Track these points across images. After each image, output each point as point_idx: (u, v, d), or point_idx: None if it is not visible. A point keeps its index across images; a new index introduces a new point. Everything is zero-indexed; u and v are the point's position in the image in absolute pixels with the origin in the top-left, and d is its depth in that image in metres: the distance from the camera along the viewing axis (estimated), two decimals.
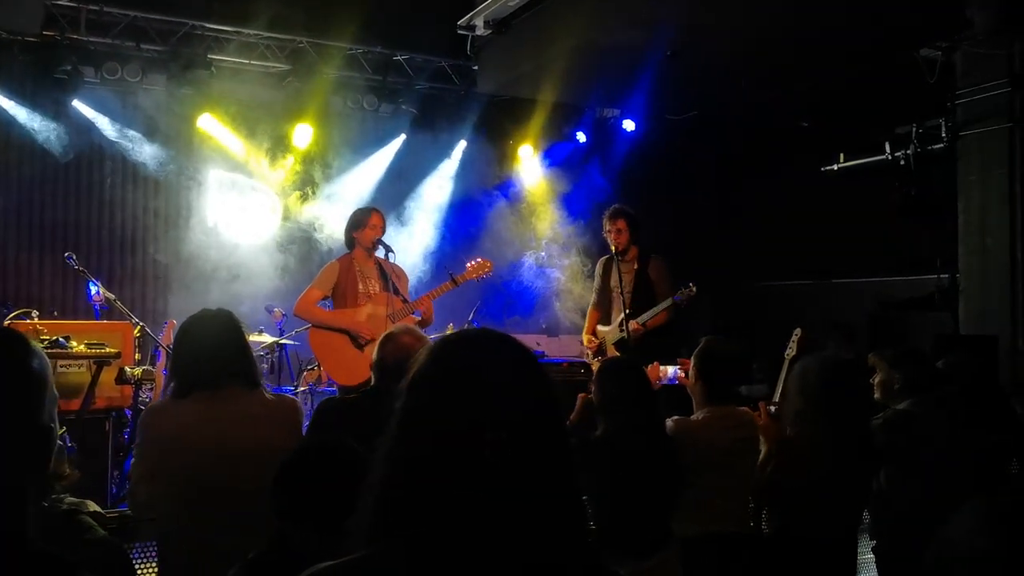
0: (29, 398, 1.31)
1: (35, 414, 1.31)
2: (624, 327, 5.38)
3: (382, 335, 3.13)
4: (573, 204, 9.18)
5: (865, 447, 3.18)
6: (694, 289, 5.39)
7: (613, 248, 5.59)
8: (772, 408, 3.78)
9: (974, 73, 6.24)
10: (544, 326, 8.99)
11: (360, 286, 5.24)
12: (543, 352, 7.35)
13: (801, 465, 3.12)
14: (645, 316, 5.41)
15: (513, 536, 1.11)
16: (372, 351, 5.04)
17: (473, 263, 5.55)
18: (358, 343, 5.17)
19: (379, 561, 1.13)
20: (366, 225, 5.27)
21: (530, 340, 8.44)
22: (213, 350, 2.69)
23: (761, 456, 3.35)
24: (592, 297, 5.96)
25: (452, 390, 1.17)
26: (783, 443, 3.20)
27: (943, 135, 6.42)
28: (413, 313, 5.16)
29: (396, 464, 1.17)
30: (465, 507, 1.11)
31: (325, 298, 5.28)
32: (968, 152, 6.35)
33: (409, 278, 5.69)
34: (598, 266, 5.95)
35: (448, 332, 7.26)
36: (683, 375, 3.83)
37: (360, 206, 5.74)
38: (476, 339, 1.28)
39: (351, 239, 5.36)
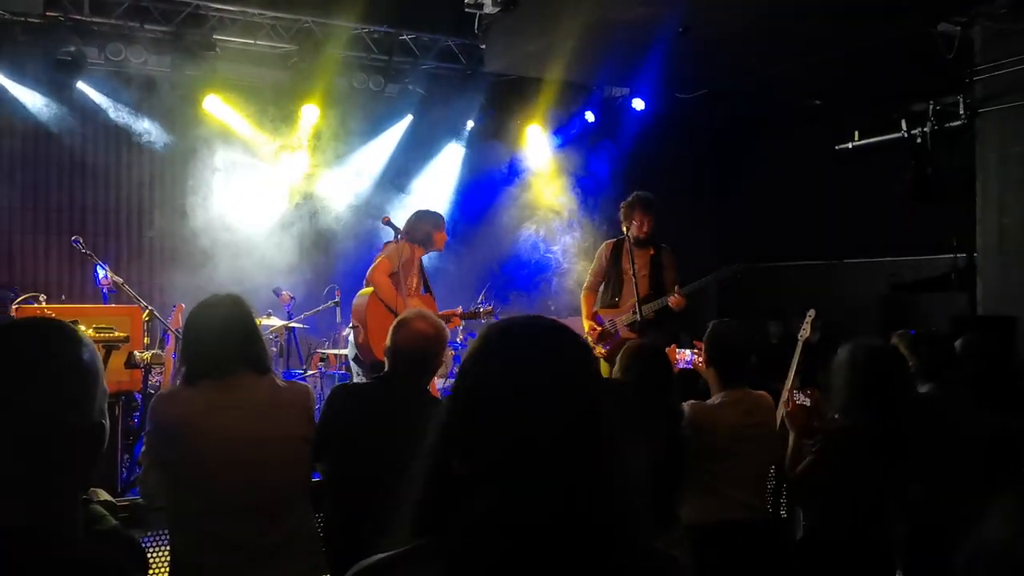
0: (80, 393, 1.25)
1: (86, 410, 1.25)
2: (638, 310, 5.34)
3: (395, 321, 3.07)
4: (582, 184, 9.10)
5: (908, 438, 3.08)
6: (741, 268, 5.48)
7: (635, 235, 5.54)
8: (797, 393, 3.72)
9: (993, 49, 6.12)
10: (552, 308, 8.94)
11: (405, 279, 5.33)
12: None
13: (848, 461, 3.03)
14: (688, 288, 5.43)
15: (563, 531, 1.10)
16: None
17: (485, 307, 6.10)
18: None
19: (428, 555, 1.11)
20: (443, 230, 5.54)
21: None
22: (222, 336, 2.64)
23: (790, 447, 3.29)
24: (588, 280, 5.91)
25: (502, 383, 1.15)
26: (828, 437, 3.12)
27: (961, 112, 6.31)
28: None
29: (443, 458, 1.15)
30: (514, 501, 1.10)
31: (393, 274, 5.35)
32: (986, 129, 6.25)
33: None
34: (604, 249, 5.89)
35: (455, 314, 7.21)
36: (699, 360, 3.78)
37: (428, 209, 5.78)
38: (527, 328, 1.23)
39: (427, 237, 5.48)
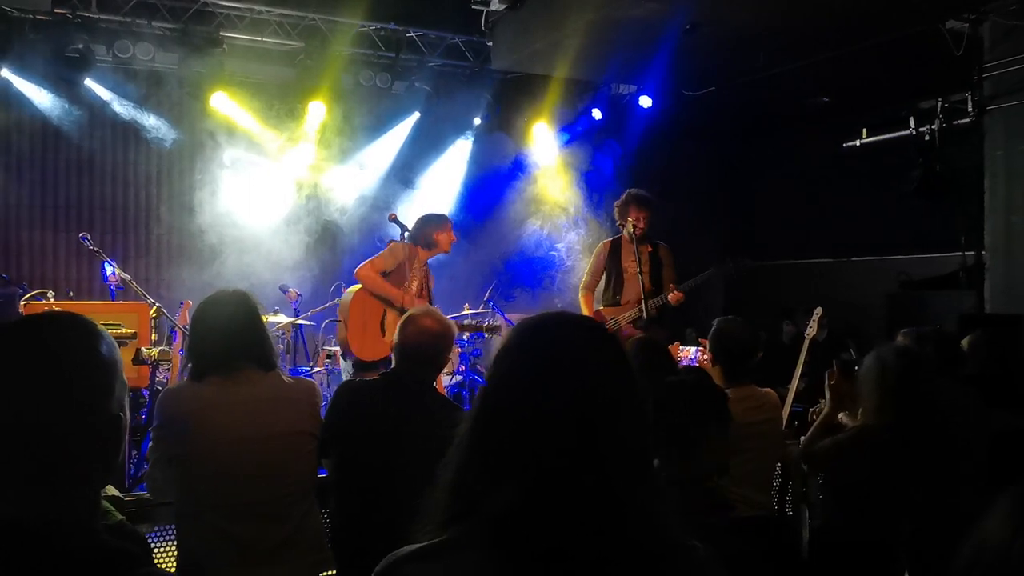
0: (99, 386, 1.26)
1: (105, 403, 1.26)
2: (644, 307, 5.35)
3: (403, 317, 3.08)
4: (588, 181, 9.09)
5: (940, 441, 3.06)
6: (750, 262, 5.54)
7: (632, 232, 5.56)
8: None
9: (1002, 45, 6.09)
10: (559, 304, 8.94)
11: (406, 281, 5.32)
12: None
13: (877, 459, 3.02)
14: (690, 283, 5.48)
15: (594, 521, 1.12)
16: (391, 338, 5.11)
17: (489, 323, 6.00)
18: (383, 328, 5.27)
19: (463, 544, 1.13)
20: (448, 231, 5.46)
21: None
22: (228, 332, 2.65)
23: (823, 413, 3.28)
24: (585, 279, 5.94)
25: (535, 375, 1.18)
26: (859, 433, 3.10)
27: (969, 110, 6.29)
28: None
29: (475, 448, 1.19)
30: (546, 490, 1.12)
31: (385, 273, 5.34)
32: (995, 127, 6.22)
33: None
34: (602, 248, 5.92)
35: (464, 313, 7.23)
36: (703, 358, 3.78)
37: (435, 213, 5.73)
38: (557, 323, 1.28)
39: (430, 239, 5.42)
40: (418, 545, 1.16)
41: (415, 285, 5.40)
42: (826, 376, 3.50)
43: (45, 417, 1.20)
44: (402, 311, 5.18)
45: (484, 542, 1.12)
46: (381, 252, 5.41)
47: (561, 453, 1.13)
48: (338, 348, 6.36)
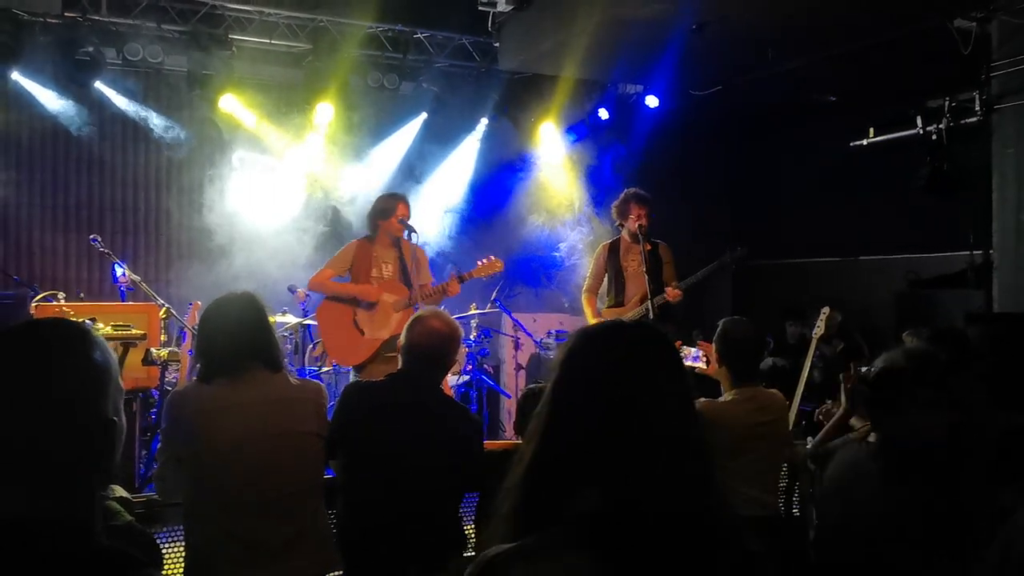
0: (93, 391, 1.29)
1: (100, 407, 1.29)
2: (650, 307, 5.36)
3: (410, 318, 3.10)
4: (595, 180, 9.09)
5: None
6: (745, 251, 5.56)
7: (635, 230, 5.58)
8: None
9: (1010, 44, 6.06)
10: (567, 305, 8.95)
11: (374, 271, 5.25)
12: (567, 332, 7.31)
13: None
14: (691, 279, 5.53)
15: (686, 518, 1.19)
16: (372, 334, 5.10)
17: (484, 261, 5.47)
18: (359, 327, 5.21)
19: (565, 544, 1.17)
20: (393, 213, 5.21)
21: (552, 320, 8.42)
22: (235, 333, 2.68)
23: (838, 414, 3.28)
24: (587, 282, 5.96)
25: (600, 382, 1.25)
26: (869, 432, 3.09)
27: (977, 108, 6.25)
28: (413, 307, 5.05)
29: (549, 453, 1.24)
30: (632, 491, 1.18)
31: (339, 277, 5.31)
32: (1003, 125, 6.19)
33: (431, 258, 5.67)
34: (602, 251, 5.95)
35: (471, 313, 7.25)
36: (703, 362, 3.79)
37: (386, 191, 5.67)
38: (617, 328, 1.37)
39: (376, 225, 5.29)
40: (512, 545, 1.19)
41: (391, 272, 5.27)
42: (841, 378, 3.50)
43: (39, 421, 1.23)
44: (373, 305, 5.18)
45: (581, 543, 1.16)
46: (331, 258, 5.40)
47: (635, 453, 1.20)
48: None
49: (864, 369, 3.31)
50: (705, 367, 3.75)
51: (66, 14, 7.06)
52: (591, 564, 1.14)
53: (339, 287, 5.27)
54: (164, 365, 5.30)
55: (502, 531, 1.22)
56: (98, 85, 7.63)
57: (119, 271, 5.97)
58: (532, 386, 3.77)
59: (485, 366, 7.65)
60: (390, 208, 5.25)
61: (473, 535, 3.22)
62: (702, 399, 3.42)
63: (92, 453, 1.27)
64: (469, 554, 2.92)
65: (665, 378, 1.28)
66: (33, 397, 1.23)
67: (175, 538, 3.08)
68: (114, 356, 1.36)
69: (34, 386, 1.24)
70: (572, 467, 1.21)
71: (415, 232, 5.24)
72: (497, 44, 8.11)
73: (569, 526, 1.17)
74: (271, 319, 2.88)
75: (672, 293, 5.47)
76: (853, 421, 3.44)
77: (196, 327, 3.58)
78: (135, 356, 5.14)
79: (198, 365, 2.75)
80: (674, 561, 1.17)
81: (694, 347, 3.92)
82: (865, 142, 7.27)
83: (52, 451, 1.23)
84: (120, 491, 2.46)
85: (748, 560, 1.25)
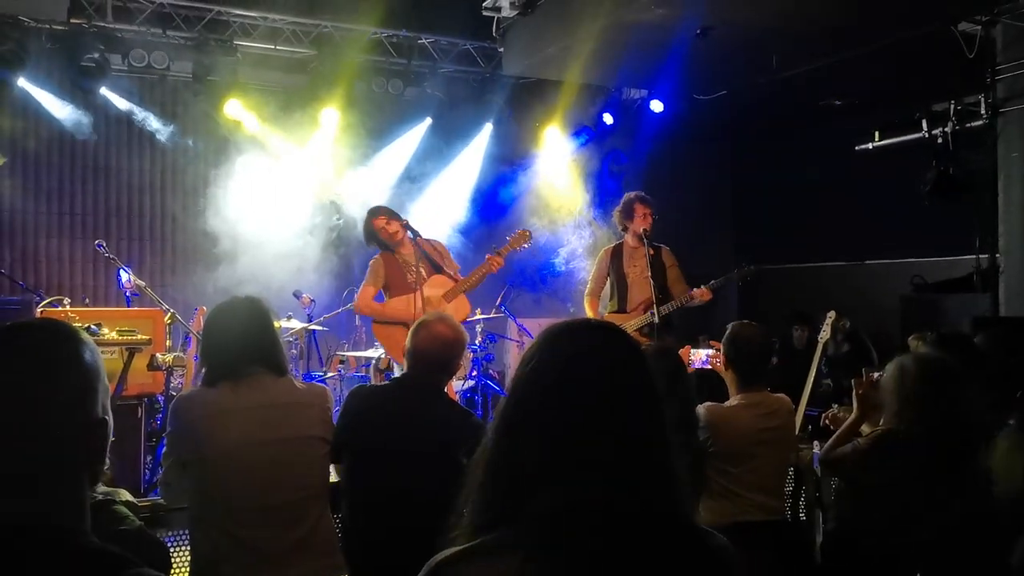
0: (82, 391, 1.29)
1: (89, 407, 1.29)
2: (654, 311, 5.34)
3: (415, 324, 3.09)
4: (600, 185, 9.09)
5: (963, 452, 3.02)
6: (754, 269, 5.51)
7: (640, 232, 5.56)
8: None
9: (1015, 47, 6.06)
10: (572, 310, 8.95)
11: (409, 277, 5.29)
12: None
13: (898, 463, 3.00)
14: (715, 282, 5.48)
15: (633, 520, 1.17)
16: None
17: (513, 234, 5.62)
18: None
19: (503, 547, 1.16)
20: (379, 231, 5.38)
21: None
22: (240, 338, 2.68)
23: (850, 420, 3.27)
24: (589, 286, 5.95)
25: (559, 382, 1.23)
26: (880, 438, 3.09)
27: (982, 112, 6.26)
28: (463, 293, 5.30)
29: (506, 453, 1.22)
30: (585, 493, 1.16)
31: (384, 290, 5.38)
32: (1008, 129, 6.18)
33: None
34: (604, 255, 5.92)
35: (476, 318, 7.24)
36: (715, 360, 3.77)
37: (371, 205, 5.73)
38: (576, 327, 1.33)
39: (380, 242, 5.43)
40: (460, 547, 1.18)
41: (424, 271, 5.34)
42: (853, 384, 3.48)
43: (28, 420, 1.23)
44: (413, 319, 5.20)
45: (529, 544, 1.15)
46: (366, 276, 5.44)
47: (594, 454, 1.18)
48: (364, 353, 6.60)
49: (876, 375, 3.31)
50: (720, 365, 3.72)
51: (71, 21, 7.09)
52: (522, 565, 1.13)
53: (389, 311, 5.32)
54: (169, 370, 5.30)
55: (464, 533, 1.21)
56: (103, 91, 7.66)
57: (124, 276, 5.97)
58: None
59: (490, 371, 7.64)
60: (372, 229, 5.40)
61: None
62: (708, 403, 3.41)
63: (83, 453, 1.27)
64: None
65: (626, 377, 1.25)
66: (22, 397, 1.23)
67: (181, 542, 3.08)
68: (101, 355, 1.36)
69: (23, 386, 1.23)
70: (528, 466, 1.19)
71: (416, 232, 5.27)
72: (501, 49, 8.12)
73: (519, 527, 1.16)
74: (276, 324, 2.88)
75: (700, 293, 5.42)
76: (864, 427, 3.42)
77: (201, 332, 3.58)
78: (140, 361, 5.13)
79: (202, 370, 2.75)
80: (612, 561, 1.14)
81: (704, 349, 3.91)
82: (871, 146, 7.27)
83: (43, 452, 1.23)
84: (126, 495, 2.46)
85: (701, 565, 1.22)
